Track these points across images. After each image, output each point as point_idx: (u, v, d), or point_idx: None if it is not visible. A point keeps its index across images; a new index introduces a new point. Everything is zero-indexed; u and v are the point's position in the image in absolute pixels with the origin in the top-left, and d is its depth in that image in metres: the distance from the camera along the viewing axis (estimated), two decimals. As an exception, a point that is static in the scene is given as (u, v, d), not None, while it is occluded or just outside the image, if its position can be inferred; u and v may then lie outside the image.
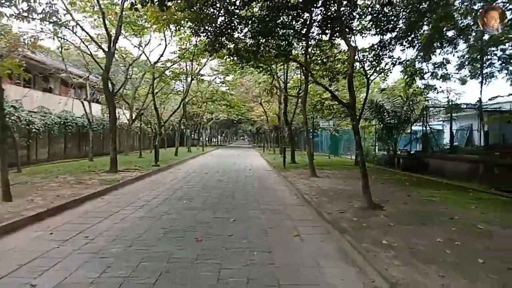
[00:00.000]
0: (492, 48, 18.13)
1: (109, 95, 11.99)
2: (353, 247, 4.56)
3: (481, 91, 17.45)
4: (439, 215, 6.35)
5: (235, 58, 14.18)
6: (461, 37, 17.09)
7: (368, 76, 18.03)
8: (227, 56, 17.17)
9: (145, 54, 19.13)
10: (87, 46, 15.64)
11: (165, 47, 17.84)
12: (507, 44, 18.22)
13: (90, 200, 7.83)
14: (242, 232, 5.53)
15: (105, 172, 11.85)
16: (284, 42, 13.48)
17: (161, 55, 18.24)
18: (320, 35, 13.92)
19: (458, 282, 3.51)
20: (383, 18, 13.04)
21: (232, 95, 32.92)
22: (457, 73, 21.11)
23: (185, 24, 13.84)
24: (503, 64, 18.82)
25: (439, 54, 19.55)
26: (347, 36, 16.53)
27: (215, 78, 29.09)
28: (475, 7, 13.21)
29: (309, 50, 13.96)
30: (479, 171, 12.95)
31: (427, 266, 3.88)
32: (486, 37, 17.46)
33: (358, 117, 18.79)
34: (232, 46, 13.46)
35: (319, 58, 14.90)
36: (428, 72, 21.13)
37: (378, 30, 16.52)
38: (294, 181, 10.92)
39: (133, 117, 21.97)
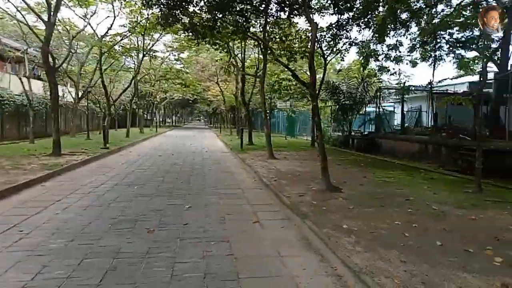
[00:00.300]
0: (442, 32, 18.85)
1: (49, 71, 10.84)
2: (314, 234, 4.40)
3: (433, 74, 18.11)
4: (395, 196, 6.43)
5: (190, 33, 13.46)
6: (414, 20, 17.54)
7: (326, 56, 18.12)
8: (182, 32, 16.35)
9: (92, 27, 17.67)
10: (23, 16, 14.02)
11: (114, 20, 16.54)
12: (454, 29, 19.05)
13: (28, 187, 7.04)
14: (199, 220, 5.19)
15: (47, 156, 10.86)
16: (241, 18, 12.94)
17: (110, 28, 16.80)
18: (279, 12, 13.56)
19: (420, 267, 3.45)
20: (341, -3, 12.90)
21: (187, 73, 31.72)
22: (409, 56, 21.84)
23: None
24: (451, 48, 19.69)
25: (392, 36, 20.08)
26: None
27: (169, 55, 27.82)
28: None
29: (268, 28, 13.52)
30: (428, 151, 13.55)
31: (388, 252, 3.81)
32: (436, 20, 18.14)
33: (316, 97, 19.01)
34: (187, 20, 12.75)
35: (277, 36, 14.54)
36: (382, 54, 21.71)
37: (336, 9, 16.47)
38: (252, 164, 10.70)
39: (79, 96, 20.42)
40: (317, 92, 18.01)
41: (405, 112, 19.62)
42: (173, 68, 30.83)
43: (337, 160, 12.18)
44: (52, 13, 10.82)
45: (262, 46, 13.33)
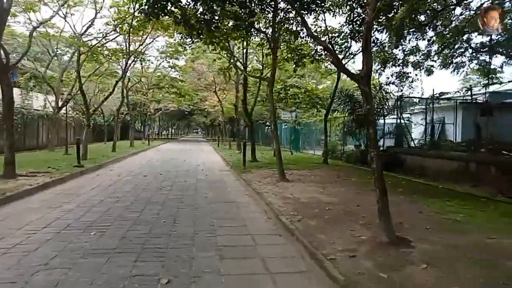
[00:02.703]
0: (463, 37, 16.74)
1: (1, 69, 8.44)
2: None
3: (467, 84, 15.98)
4: (499, 256, 3.97)
5: (184, 28, 11.18)
6: (431, 23, 15.38)
7: (340, 59, 15.86)
8: (174, 31, 14.06)
9: (71, 26, 15.31)
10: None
11: (96, 15, 14.17)
12: (474, 33, 16.92)
13: None
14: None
15: (-5, 179, 8.39)
16: (245, 10, 10.64)
17: (90, 25, 14.44)
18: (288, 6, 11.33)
19: None
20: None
21: (182, 82, 29.34)
22: (428, 61, 19.72)
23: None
24: (474, 54, 17.55)
25: (409, 40, 17.94)
26: (316, 12, 14.19)
27: (163, 61, 25.52)
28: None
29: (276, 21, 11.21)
30: (470, 171, 11.17)
31: None
32: (454, 24, 15.98)
33: (327, 108, 16.67)
34: (179, 12, 10.52)
35: (286, 35, 12.22)
36: (399, 59, 19.51)
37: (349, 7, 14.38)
38: (260, 189, 8.25)
39: (59, 105, 18.00)
40: (330, 101, 15.76)
41: (422, 124, 17.30)
42: (167, 76, 28.51)
43: (362, 182, 9.77)
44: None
45: (270, 44, 11.00)
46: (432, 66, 20.41)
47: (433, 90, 15.09)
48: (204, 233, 5.06)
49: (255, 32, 12.78)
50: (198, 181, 10.39)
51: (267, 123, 36.04)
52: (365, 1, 12.93)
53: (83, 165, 11.69)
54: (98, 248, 4.34)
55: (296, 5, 10.70)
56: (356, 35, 13.68)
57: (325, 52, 16.05)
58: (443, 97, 16.50)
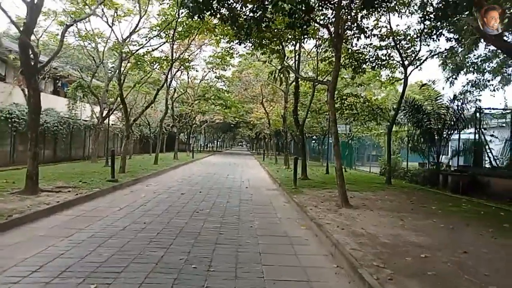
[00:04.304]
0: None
1: (28, 71, 7.55)
2: None
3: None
4: None
5: (231, 28, 9.90)
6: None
7: (407, 65, 13.79)
8: (220, 29, 12.84)
9: (115, 33, 14.74)
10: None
11: (139, 20, 13.38)
12: None
13: None
14: None
15: (15, 193, 7.42)
16: (300, 6, 9.04)
17: (134, 31, 13.66)
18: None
19: None
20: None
21: (229, 93, 28.35)
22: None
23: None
24: None
25: (485, 45, 15.50)
26: (382, 12, 12.32)
27: (209, 71, 24.69)
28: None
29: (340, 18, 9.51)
30: None
31: None
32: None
33: (392, 120, 14.53)
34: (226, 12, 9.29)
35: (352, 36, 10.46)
36: (471, 66, 17.00)
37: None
38: (319, 217, 6.50)
39: (103, 115, 17.54)
40: (395, 112, 13.63)
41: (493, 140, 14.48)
42: (213, 87, 27.68)
43: (446, 212, 7.66)
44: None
45: (331, 41, 9.34)
46: (510, 74, 17.62)
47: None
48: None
49: (311, 33, 11.21)
50: (242, 202, 8.82)
51: (313, 137, 34.10)
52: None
53: (117, 179, 10.63)
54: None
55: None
56: (433, 31, 11.58)
57: (389, 57, 14.11)
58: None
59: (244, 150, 76.25)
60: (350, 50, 13.15)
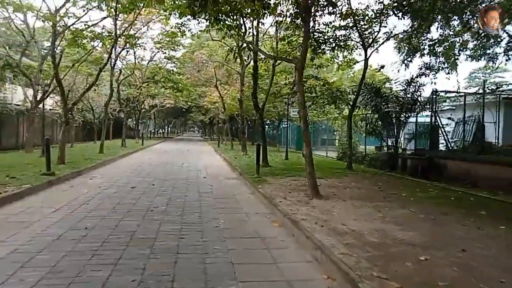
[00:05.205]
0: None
1: None
2: None
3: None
4: None
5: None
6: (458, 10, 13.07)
7: (367, 47, 13.46)
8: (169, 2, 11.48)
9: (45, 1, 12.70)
10: None
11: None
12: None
13: None
14: None
15: None
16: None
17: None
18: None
19: None
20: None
21: (180, 75, 26.71)
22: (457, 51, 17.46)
23: None
24: (510, 44, 15.19)
25: (436, 29, 15.73)
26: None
27: (158, 52, 22.92)
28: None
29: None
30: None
31: None
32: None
33: (353, 104, 14.23)
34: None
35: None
36: (425, 49, 17.20)
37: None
38: (291, 212, 5.79)
39: (37, 98, 15.46)
40: (355, 95, 13.30)
41: (448, 122, 14.84)
42: (162, 69, 25.86)
43: (418, 199, 7.35)
44: None
45: (301, 12, 8.54)
46: (457, 59, 18.09)
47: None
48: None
49: (272, 8, 10.30)
50: (202, 196, 7.90)
51: (267, 122, 33.59)
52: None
53: (54, 172, 9.16)
54: None
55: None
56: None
57: (349, 38, 13.71)
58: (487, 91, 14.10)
59: (197, 136, 74.36)
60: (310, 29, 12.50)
